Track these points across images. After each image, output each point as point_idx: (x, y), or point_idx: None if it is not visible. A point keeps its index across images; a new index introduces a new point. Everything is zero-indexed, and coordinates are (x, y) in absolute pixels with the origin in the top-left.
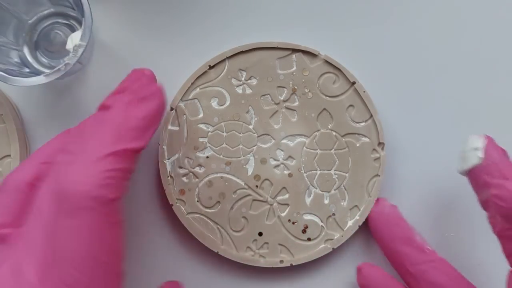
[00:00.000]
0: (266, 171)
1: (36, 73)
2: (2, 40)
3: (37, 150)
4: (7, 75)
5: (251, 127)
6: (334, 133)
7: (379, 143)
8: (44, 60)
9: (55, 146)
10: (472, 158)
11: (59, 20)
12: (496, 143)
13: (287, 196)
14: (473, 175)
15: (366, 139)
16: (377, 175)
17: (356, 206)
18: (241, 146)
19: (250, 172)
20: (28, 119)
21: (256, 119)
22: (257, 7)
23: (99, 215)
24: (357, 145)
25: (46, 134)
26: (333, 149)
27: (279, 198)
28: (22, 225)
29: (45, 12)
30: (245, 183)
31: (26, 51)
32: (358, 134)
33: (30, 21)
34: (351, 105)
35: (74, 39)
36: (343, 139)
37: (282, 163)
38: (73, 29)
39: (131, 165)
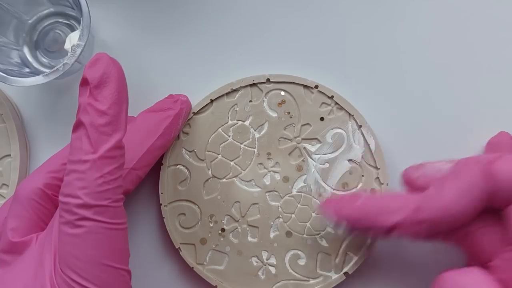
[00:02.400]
0: None
1: (36, 73)
2: (2, 40)
3: (45, 162)
4: (6, 75)
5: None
6: None
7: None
8: (44, 60)
9: (62, 158)
10: None
11: (59, 20)
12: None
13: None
14: None
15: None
16: None
17: None
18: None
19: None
20: (28, 119)
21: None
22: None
23: (100, 222)
24: None
25: (46, 134)
26: None
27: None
28: (42, 230)
29: (45, 12)
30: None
31: (26, 51)
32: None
33: (30, 21)
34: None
35: (72, 39)
36: None
37: None
38: (73, 29)
39: (121, 160)
